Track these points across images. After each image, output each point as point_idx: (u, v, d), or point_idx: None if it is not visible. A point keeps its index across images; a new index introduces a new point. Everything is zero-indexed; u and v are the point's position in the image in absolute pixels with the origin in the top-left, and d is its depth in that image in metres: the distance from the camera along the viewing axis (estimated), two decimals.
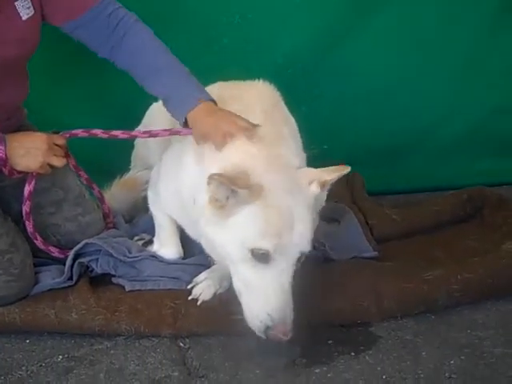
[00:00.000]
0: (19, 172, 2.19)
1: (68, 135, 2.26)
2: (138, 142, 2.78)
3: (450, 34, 2.96)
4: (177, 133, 2.20)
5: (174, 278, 2.25)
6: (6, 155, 2.10)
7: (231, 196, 1.86)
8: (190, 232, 2.28)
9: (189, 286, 2.18)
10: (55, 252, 2.34)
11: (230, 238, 1.89)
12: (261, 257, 1.84)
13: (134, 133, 2.44)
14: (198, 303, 2.12)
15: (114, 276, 2.29)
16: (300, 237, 1.87)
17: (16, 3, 2.13)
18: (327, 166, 2.84)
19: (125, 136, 2.31)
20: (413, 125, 3.08)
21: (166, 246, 2.39)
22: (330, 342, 2.06)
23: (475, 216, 2.65)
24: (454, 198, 2.70)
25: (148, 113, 2.71)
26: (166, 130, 2.25)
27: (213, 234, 1.94)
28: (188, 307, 2.11)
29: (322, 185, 1.95)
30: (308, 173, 1.99)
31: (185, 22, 2.82)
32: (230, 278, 2.13)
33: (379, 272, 2.21)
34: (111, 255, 2.28)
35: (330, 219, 2.53)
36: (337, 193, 2.63)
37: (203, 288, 2.16)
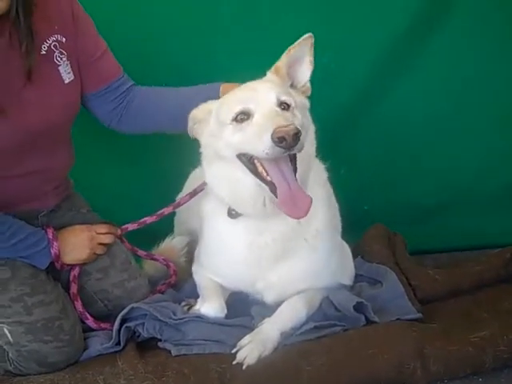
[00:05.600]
0: (68, 265, 2.38)
1: (120, 231, 2.52)
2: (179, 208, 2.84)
3: (484, 91, 2.98)
4: (196, 193, 2.53)
5: (218, 341, 2.25)
6: (59, 251, 2.30)
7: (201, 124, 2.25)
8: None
9: (233, 351, 2.18)
10: (107, 327, 2.41)
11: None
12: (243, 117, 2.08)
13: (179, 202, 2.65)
14: (244, 367, 2.10)
15: (160, 340, 2.32)
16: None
17: (59, 68, 2.28)
18: (369, 227, 2.86)
19: (170, 210, 2.61)
20: (452, 183, 3.09)
21: (209, 303, 2.38)
22: None
23: None
24: (496, 257, 2.65)
25: (189, 180, 2.83)
26: (187, 195, 2.58)
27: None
28: (234, 371, 2.10)
29: (276, 71, 2.24)
30: None
31: None
32: (275, 340, 2.17)
33: (424, 334, 2.18)
34: (157, 319, 2.31)
35: (372, 281, 2.54)
36: (379, 254, 2.66)
37: (247, 352, 2.14)
